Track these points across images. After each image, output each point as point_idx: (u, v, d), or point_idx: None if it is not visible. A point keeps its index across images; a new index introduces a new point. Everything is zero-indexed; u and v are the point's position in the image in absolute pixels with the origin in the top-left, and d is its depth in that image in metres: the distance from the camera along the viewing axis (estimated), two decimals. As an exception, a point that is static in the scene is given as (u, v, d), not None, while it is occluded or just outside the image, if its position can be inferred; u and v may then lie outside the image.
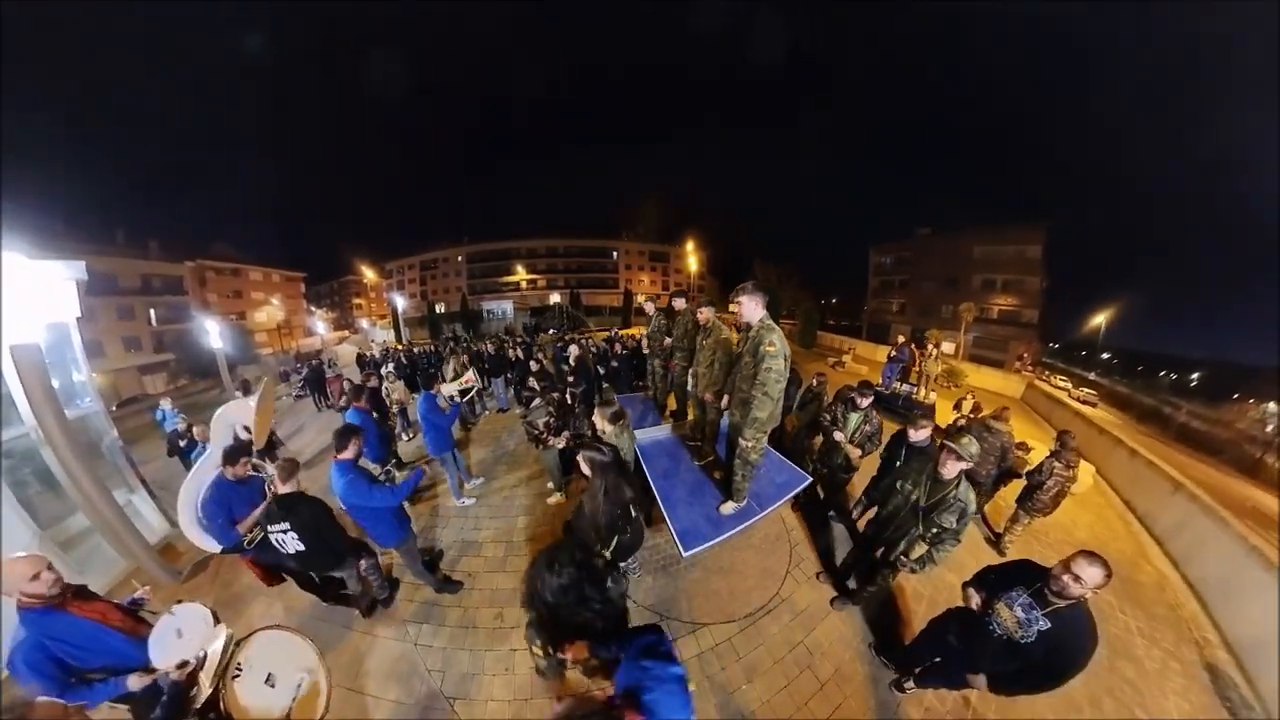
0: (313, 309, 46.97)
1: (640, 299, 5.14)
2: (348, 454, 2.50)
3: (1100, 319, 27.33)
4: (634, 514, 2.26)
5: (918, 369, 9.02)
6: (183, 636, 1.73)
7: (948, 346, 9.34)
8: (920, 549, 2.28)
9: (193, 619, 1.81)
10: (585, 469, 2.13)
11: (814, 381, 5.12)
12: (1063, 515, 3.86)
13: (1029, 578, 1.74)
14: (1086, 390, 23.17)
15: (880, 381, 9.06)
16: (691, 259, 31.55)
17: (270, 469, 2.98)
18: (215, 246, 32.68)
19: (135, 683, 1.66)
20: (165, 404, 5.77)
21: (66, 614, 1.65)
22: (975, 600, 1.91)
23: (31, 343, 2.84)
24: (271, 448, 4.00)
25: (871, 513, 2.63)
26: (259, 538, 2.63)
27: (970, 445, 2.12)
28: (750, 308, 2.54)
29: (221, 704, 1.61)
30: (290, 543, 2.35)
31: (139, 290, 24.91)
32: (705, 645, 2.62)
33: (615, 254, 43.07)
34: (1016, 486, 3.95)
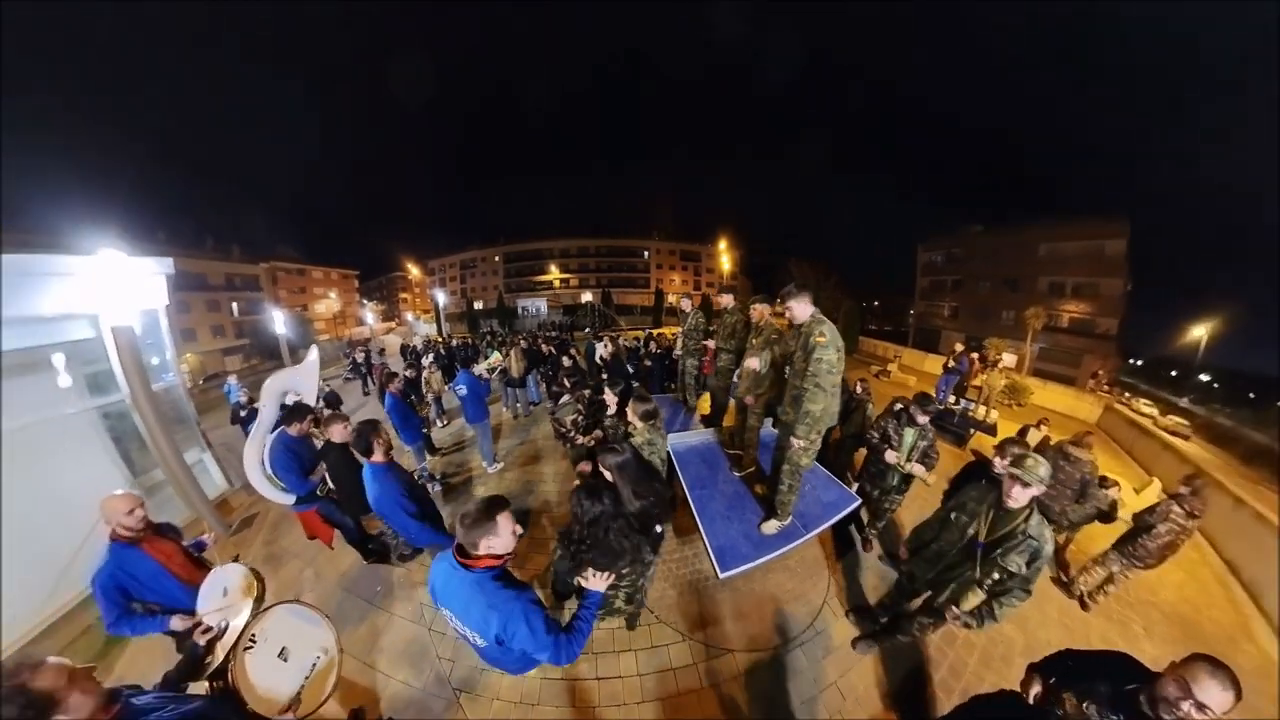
0: (364, 302, 51.17)
1: (672, 298, 4.92)
2: (377, 456, 2.36)
3: (1200, 331, 23.49)
4: (659, 510, 2.17)
5: (978, 382, 8.19)
6: (227, 595, 1.83)
7: (1009, 358, 8.38)
8: (976, 597, 1.84)
9: (237, 579, 1.89)
10: (608, 475, 2.05)
11: (857, 389, 4.70)
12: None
13: (1121, 677, 1.33)
14: (1176, 419, 18.92)
15: (935, 394, 8.34)
16: (724, 258, 30.82)
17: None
18: (282, 249, 38.36)
19: (177, 624, 1.81)
20: (232, 379, 6.36)
21: (138, 550, 1.87)
22: (1035, 690, 1.47)
23: (127, 325, 3.32)
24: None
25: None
26: (329, 486, 3.06)
27: (1036, 466, 1.70)
28: (799, 308, 2.54)
29: (230, 674, 1.56)
30: (329, 481, 2.94)
31: (224, 287, 29.96)
32: (728, 673, 2.42)
33: (646, 253, 43.01)
34: (1105, 531, 3.38)
